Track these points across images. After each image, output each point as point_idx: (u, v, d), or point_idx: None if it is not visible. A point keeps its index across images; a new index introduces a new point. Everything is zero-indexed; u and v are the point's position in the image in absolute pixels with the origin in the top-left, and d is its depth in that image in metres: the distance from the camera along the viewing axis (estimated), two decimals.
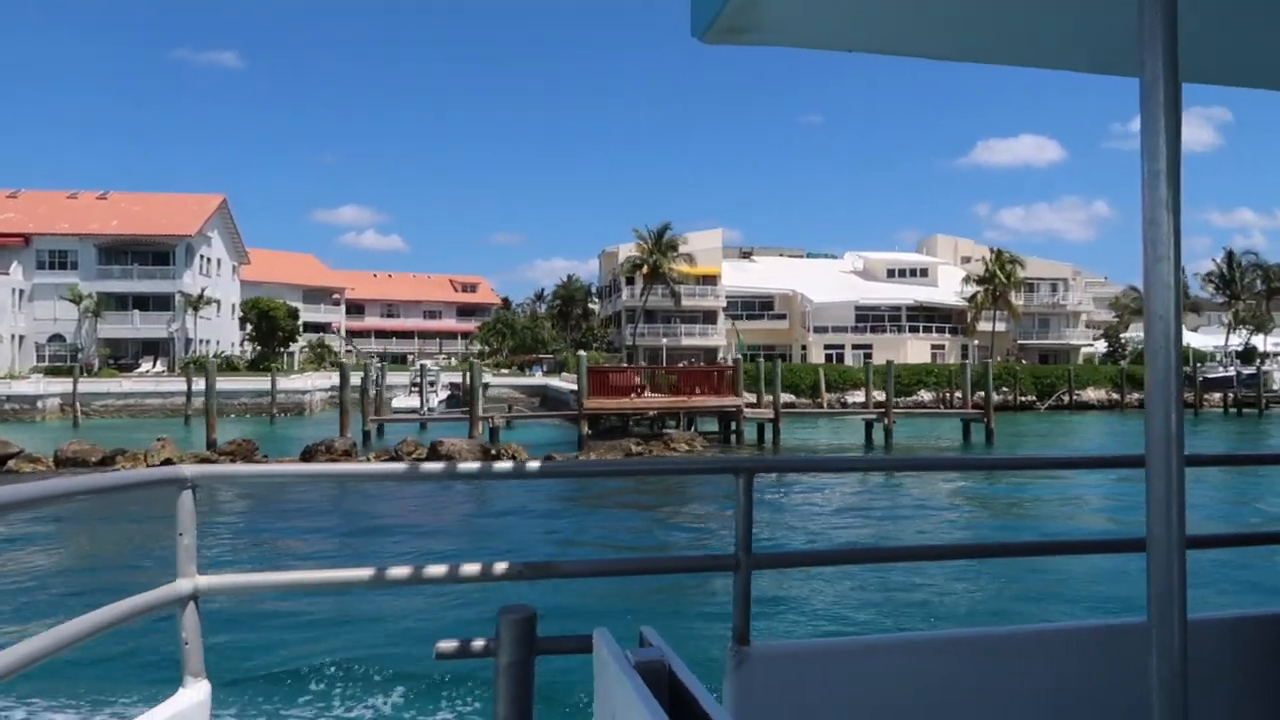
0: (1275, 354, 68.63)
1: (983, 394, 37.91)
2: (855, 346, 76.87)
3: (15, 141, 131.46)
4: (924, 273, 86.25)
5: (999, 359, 77.95)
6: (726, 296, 79.98)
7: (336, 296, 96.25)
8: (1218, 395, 57.43)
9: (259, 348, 62.93)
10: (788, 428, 37.74)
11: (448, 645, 2.41)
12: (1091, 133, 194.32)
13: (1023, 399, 60.60)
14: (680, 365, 45.97)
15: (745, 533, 2.76)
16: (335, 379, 44.09)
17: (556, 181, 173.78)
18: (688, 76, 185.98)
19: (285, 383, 56.15)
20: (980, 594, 12.20)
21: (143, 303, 60.63)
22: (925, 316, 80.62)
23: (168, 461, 26.05)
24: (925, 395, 59.48)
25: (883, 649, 3.00)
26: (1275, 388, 56.17)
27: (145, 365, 58.86)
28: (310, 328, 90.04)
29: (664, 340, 76.20)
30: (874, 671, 2.84)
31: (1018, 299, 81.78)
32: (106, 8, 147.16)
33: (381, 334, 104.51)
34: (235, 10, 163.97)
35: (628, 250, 76.89)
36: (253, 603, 10.63)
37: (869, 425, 36.03)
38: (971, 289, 77.27)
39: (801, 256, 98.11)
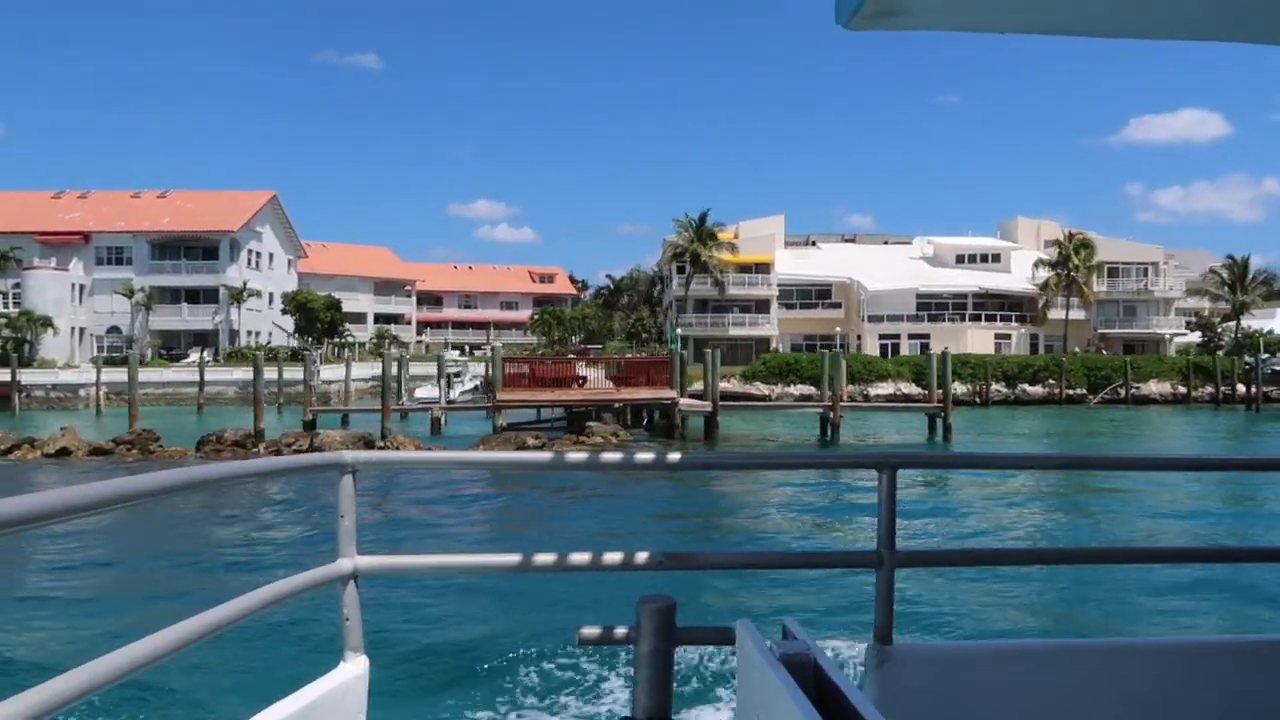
0: None
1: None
2: (912, 336, 73.21)
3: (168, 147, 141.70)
4: (996, 258, 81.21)
5: (1078, 350, 72.93)
6: (780, 285, 77.69)
7: (409, 288, 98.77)
8: None
9: (304, 339, 65.18)
10: (737, 421, 36.14)
11: (590, 631, 2.45)
12: (1258, 104, 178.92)
13: (1070, 392, 56.15)
14: (627, 356, 44.70)
15: (889, 529, 2.71)
16: (377, 369, 45.05)
17: (680, 170, 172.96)
18: (829, 59, 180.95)
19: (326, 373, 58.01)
20: (1135, 602, 11.33)
21: (192, 296, 63.84)
22: (994, 305, 76.04)
23: (64, 450, 27.12)
24: (960, 388, 55.93)
25: (1034, 654, 2.88)
26: None
27: (194, 355, 62.00)
28: (382, 319, 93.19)
29: (710, 330, 74.70)
30: (1023, 677, 2.74)
31: (1100, 284, 76.18)
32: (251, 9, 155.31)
33: (458, 325, 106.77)
34: (372, 11, 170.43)
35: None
36: (406, 584, 11.15)
37: (824, 419, 33.99)
38: (1044, 275, 72.35)
39: (882, 243, 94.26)
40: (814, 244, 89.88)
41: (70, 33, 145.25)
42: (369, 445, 27.07)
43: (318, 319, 63.64)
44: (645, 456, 2.93)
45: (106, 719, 7.22)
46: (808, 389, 55.01)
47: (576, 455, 2.91)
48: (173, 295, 63.64)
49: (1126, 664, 2.80)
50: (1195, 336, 75.98)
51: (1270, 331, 68.44)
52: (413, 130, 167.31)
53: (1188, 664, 2.81)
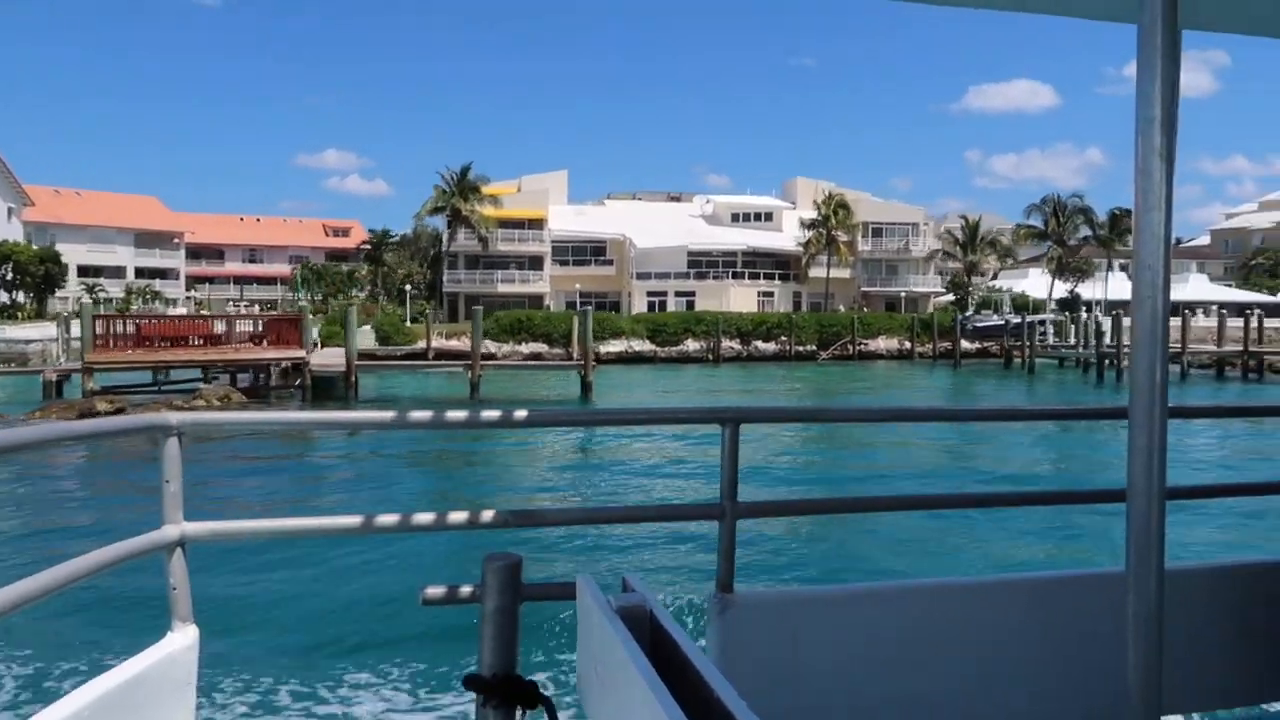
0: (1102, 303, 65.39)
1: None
2: (679, 294, 73.71)
3: None
4: (769, 217, 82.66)
5: (842, 307, 75.02)
6: (554, 241, 76.71)
7: (177, 241, 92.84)
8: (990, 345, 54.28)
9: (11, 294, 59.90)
10: (406, 379, 34.93)
11: (435, 591, 2.41)
12: (1085, 78, 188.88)
13: (801, 349, 57.50)
14: (273, 314, 42.98)
15: (730, 482, 2.78)
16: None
17: (546, 130, 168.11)
18: (687, 25, 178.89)
19: (12, 331, 53.32)
20: (961, 543, 12.33)
21: None
22: (765, 263, 77.32)
23: None
24: (692, 345, 56.43)
25: (863, 597, 3.02)
26: (1050, 340, 52.86)
27: None
28: (148, 274, 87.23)
29: (479, 287, 73.15)
30: (854, 618, 2.89)
31: (865, 244, 78.50)
32: None
33: (242, 280, 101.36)
34: None
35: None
36: (240, 549, 10.77)
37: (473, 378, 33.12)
38: (808, 235, 73.86)
39: (665, 199, 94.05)
40: (603, 202, 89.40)
41: None
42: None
43: (27, 272, 58.52)
44: (490, 414, 2.89)
45: None
46: (540, 347, 54.41)
47: (420, 414, 2.85)
48: None
49: (952, 601, 2.98)
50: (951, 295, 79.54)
51: (1016, 290, 72.04)
52: (254, 74, 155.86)
53: (1009, 598, 3.01)
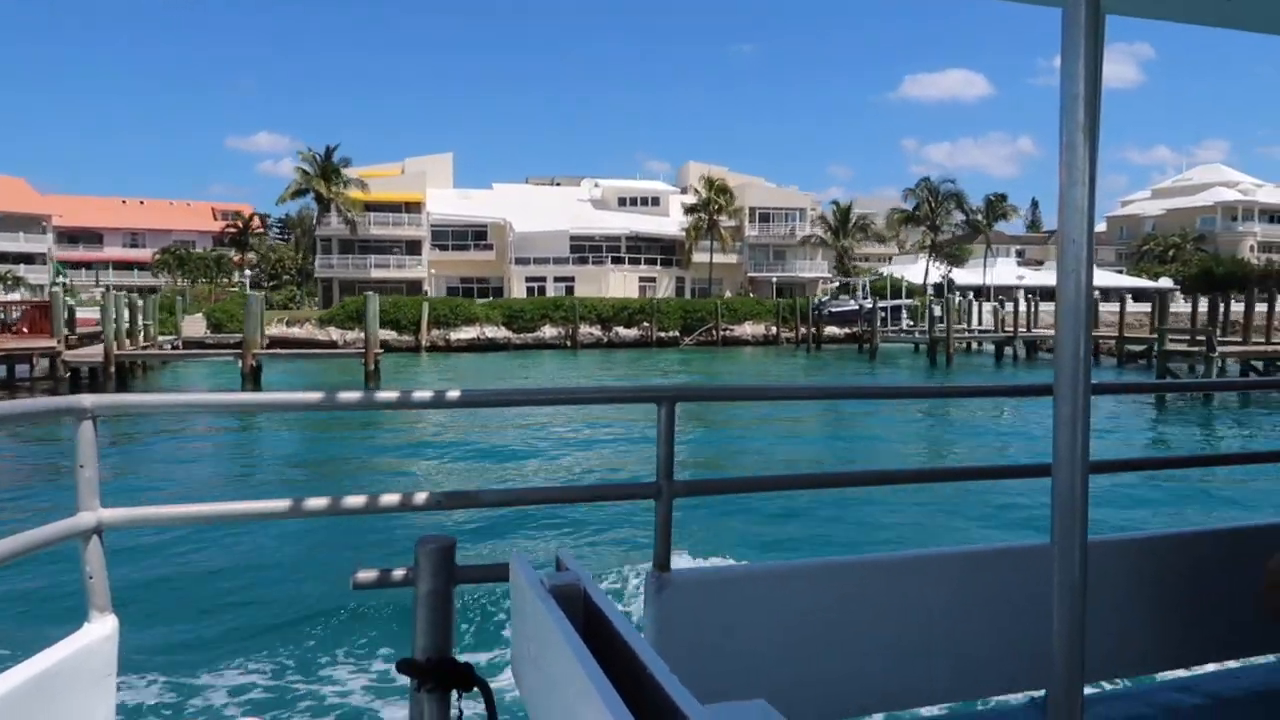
0: (982, 289, 65.37)
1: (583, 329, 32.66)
2: (558, 279, 72.10)
3: None
4: (656, 201, 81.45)
5: (729, 293, 74.16)
6: (434, 226, 74.58)
7: (45, 224, 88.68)
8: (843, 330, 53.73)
9: None
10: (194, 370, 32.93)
11: (366, 575, 2.38)
12: (1018, 68, 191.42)
13: (663, 335, 56.38)
14: (32, 301, 40.62)
15: (667, 460, 2.79)
16: None
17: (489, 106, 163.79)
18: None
19: None
20: (898, 519, 12.57)
21: None
22: (650, 248, 76.07)
23: None
24: (550, 331, 54.98)
25: (798, 573, 3.06)
26: (905, 325, 52.45)
27: None
28: (11, 259, 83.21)
29: (352, 272, 70.82)
30: (788, 595, 2.92)
31: (753, 229, 77.75)
32: None
33: (122, 265, 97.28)
34: None
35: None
36: (163, 536, 10.59)
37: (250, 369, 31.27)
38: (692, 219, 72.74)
39: (551, 184, 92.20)
40: (491, 186, 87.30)
41: None
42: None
43: None
44: (422, 394, 2.78)
45: None
46: (388, 334, 52.48)
47: (349, 395, 2.73)
48: None
49: (882, 576, 3.04)
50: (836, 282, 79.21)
51: (898, 276, 71.89)
52: (187, 56, 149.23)
53: (938, 572, 3.07)
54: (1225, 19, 2.32)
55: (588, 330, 55.03)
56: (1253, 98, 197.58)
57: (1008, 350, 45.13)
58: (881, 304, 51.72)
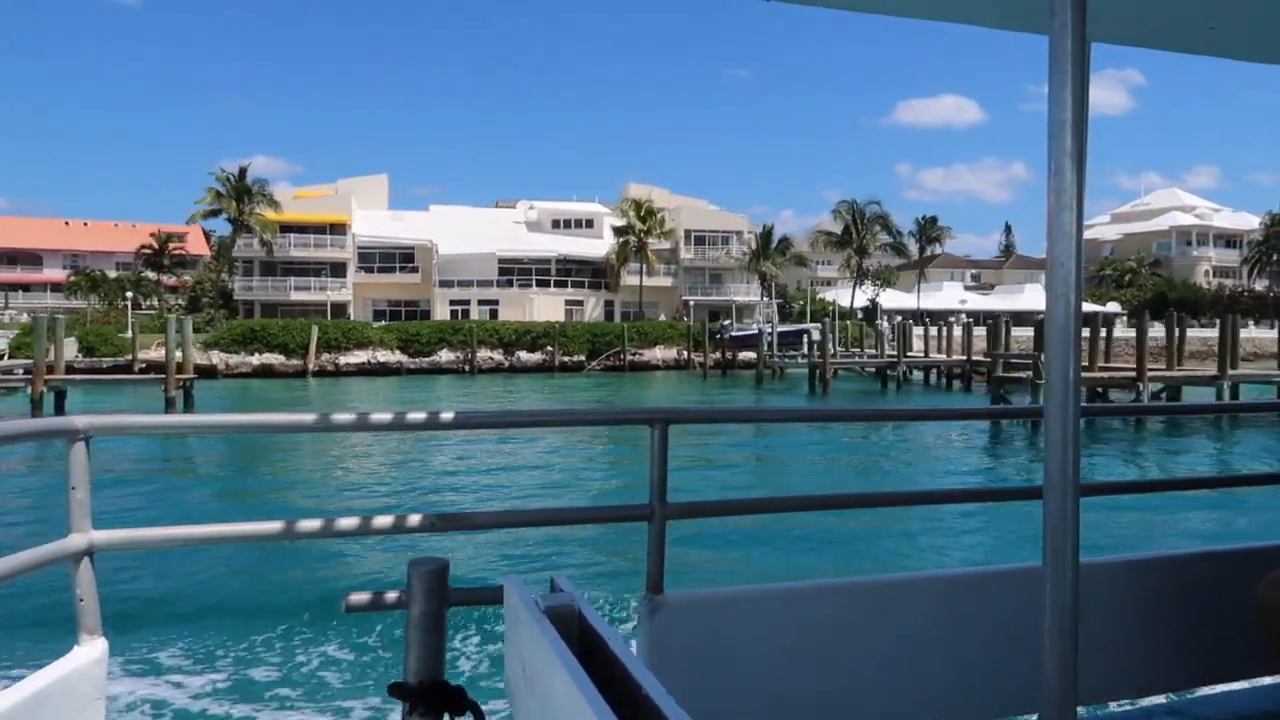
0: (905, 312, 63.86)
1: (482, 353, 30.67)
2: (482, 302, 70.70)
3: None
4: (590, 224, 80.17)
5: (663, 316, 72.70)
6: (361, 248, 73.28)
7: None
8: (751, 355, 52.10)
9: None
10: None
11: (359, 598, 2.40)
12: (1010, 95, 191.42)
13: (567, 359, 54.81)
14: None
15: (660, 483, 2.78)
16: None
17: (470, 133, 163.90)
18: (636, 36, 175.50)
19: None
20: (890, 541, 12.67)
21: None
22: (581, 271, 74.74)
23: None
24: (447, 355, 53.37)
25: (791, 595, 3.04)
26: (804, 352, 50.90)
27: None
28: None
29: (272, 294, 69.40)
30: (782, 617, 2.91)
31: (688, 252, 76.45)
32: None
33: (62, 288, 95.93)
34: None
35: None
36: (154, 558, 10.52)
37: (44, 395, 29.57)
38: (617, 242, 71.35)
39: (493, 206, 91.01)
40: (428, 208, 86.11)
41: None
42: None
43: None
44: (416, 416, 2.77)
45: None
46: (275, 357, 50.94)
47: (341, 417, 2.78)
48: None
49: (874, 598, 3.00)
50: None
51: (829, 300, 70.47)
52: (177, 79, 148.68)
53: (931, 594, 3.03)
54: (1210, 47, 2.40)
55: (487, 354, 53.43)
56: (1243, 124, 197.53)
57: (890, 373, 43.58)
58: (783, 328, 50.14)
